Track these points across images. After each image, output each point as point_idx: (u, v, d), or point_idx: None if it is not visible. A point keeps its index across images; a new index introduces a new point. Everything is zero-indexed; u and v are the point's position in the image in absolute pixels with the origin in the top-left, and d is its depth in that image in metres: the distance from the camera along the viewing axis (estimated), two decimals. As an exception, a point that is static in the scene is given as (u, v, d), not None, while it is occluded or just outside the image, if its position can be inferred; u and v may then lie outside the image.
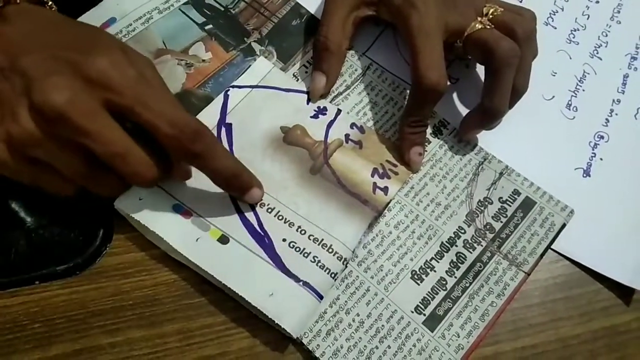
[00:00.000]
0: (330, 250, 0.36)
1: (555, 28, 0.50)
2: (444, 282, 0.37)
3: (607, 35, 0.50)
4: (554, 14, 0.50)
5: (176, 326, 0.35)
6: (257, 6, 0.44)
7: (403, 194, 0.39)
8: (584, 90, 0.47)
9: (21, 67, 0.29)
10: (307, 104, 0.41)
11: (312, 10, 0.45)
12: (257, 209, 0.36)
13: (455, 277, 0.37)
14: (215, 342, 0.35)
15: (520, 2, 0.50)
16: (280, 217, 0.36)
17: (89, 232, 0.37)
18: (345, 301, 0.36)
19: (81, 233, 0.37)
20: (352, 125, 0.41)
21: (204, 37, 0.42)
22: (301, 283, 0.34)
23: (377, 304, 0.36)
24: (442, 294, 0.36)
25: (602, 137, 0.45)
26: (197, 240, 0.35)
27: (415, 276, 0.37)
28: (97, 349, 0.34)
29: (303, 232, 0.36)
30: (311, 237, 0.36)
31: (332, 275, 0.35)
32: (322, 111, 0.41)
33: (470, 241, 0.38)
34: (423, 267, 0.37)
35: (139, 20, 0.42)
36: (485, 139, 0.42)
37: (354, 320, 0.35)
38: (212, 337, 0.35)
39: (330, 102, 0.41)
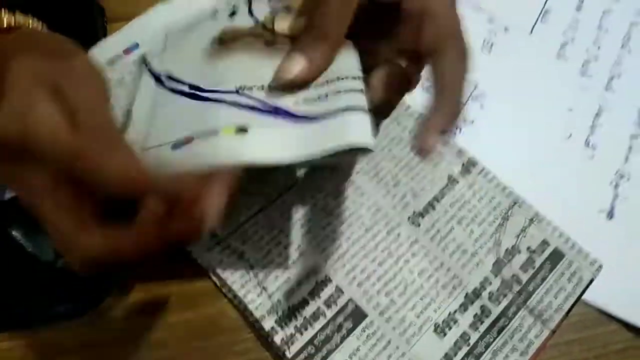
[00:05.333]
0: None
1: (567, 61, 0.48)
2: (467, 337, 0.36)
3: (619, 66, 0.49)
4: (565, 46, 0.49)
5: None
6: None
7: (429, 238, 0.38)
8: (601, 126, 0.46)
9: None
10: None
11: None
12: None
13: (479, 332, 0.36)
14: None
15: (531, 34, 0.49)
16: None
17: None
18: (366, 353, 0.35)
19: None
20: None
21: (228, 65, 0.41)
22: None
23: (398, 357, 0.35)
24: (465, 349, 0.35)
25: (622, 176, 0.44)
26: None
27: (439, 329, 0.36)
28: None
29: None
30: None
31: None
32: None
33: (495, 293, 0.37)
34: (446, 319, 0.36)
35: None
36: (510, 181, 0.41)
37: (374, 375, 0.35)
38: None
39: None
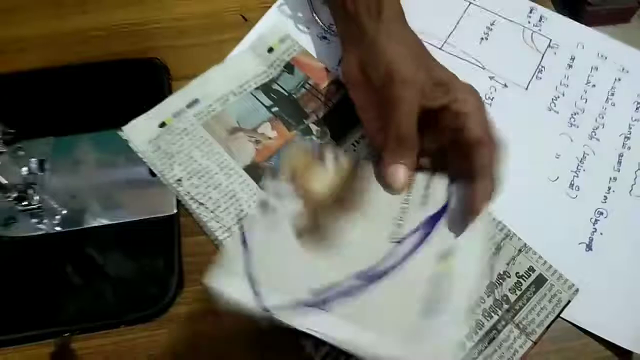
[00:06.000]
0: None
1: (558, 113, 0.55)
2: (463, 345, 0.43)
3: (603, 117, 0.56)
4: (556, 99, 0.56)
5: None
6: (315, 92, 0.51)
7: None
8: (584, 170, 0.53)
9: None
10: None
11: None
12: None
13: (474, 342, 0.43)
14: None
15: (527, 89, 0.56)
16: None
17: (164, 284, 0.44)
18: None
19: (157, 284, 0.44)
20: None
21: (270, 118, 0.50)
22: None
23: (406, 360, 0.43)
24: (461, 355, 0.43)
25: (601, 213, 0.50)
26: None
27: (440, 338, 0.43)
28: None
29: None
30: None
31: None
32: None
33: (488, 310, 0.45)
34: (447, 330, 0.44)
35: (218, 101, 0.50)
36: (503, 217, 0.48)
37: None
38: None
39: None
